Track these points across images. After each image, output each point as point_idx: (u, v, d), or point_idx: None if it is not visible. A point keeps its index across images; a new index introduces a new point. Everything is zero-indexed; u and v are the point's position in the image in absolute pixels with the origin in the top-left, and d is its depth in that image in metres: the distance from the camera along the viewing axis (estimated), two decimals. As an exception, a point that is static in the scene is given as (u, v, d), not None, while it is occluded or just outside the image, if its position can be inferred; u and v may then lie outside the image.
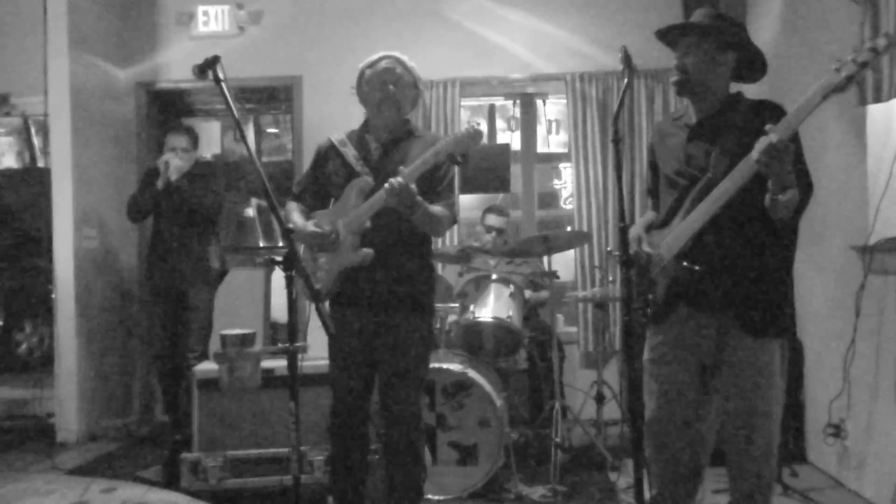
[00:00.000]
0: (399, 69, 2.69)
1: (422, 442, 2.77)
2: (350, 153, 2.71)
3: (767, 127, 1.98)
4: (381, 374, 2.70)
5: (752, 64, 2.31)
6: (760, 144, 1.98)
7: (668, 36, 2.32)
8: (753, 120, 2.17)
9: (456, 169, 2.84)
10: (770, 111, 2.19)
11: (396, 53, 2.73)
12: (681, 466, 2.33)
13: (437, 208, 2.61)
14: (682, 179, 2.29)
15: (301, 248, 2.79)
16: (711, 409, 2.32)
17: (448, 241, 4.94)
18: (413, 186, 2.45)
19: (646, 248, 2.29)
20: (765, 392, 2.20)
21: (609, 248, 4.77)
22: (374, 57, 2.73)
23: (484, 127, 5.77)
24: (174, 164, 4.14)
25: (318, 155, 2.83)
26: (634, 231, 2.42)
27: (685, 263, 2.19)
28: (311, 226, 2.66)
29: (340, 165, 2.72)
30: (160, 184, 4.18)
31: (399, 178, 2.43)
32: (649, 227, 2.43)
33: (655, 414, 2.34)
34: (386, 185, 2.45)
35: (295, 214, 2.77)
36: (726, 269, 2.19)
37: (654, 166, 2.49)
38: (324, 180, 2.77)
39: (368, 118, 2.78)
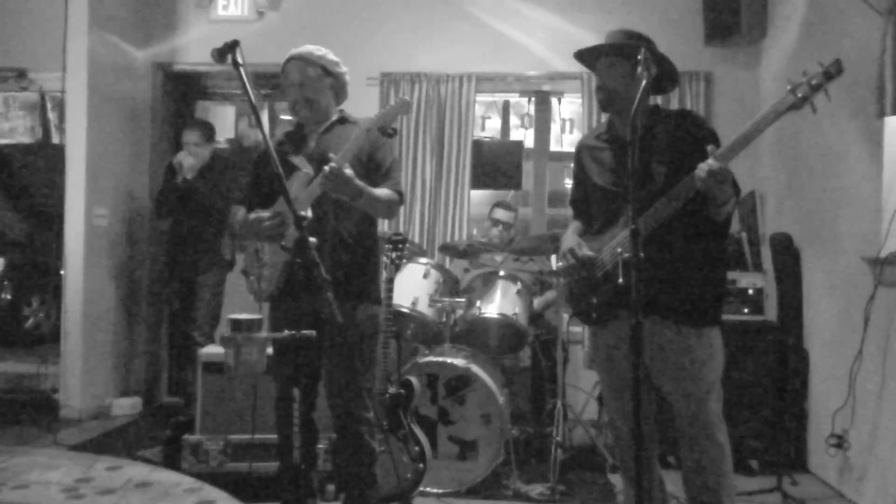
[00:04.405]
0: (301, 69, 2.66)
1: (368, 430, 2.70)
2: (289, 150, 2.71)
3: (710, 148, 2.11)
4: (326, 363, 2.67)
5: (670, 76, 2.47)
6: (702, 171, 2.09)
7: (585, 57, 2.53)
8: (679, 130, 2.39)
9: (396, 145, 2.83)
10: (692, 120, 2.46)
11: (299, 50, 2.70)
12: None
13: (382, 190, 2.62)
14: (619, 190, 2.42)
15: (244, 256, 2.82)
16: (651, 400, 2.52)
17: (457, 235, 4.94)
18: (348, 171, 2.42)
19: (586, 252, 2.44)
20: (696, 376, 2.35)
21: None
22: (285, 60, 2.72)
23: (498, 122, 5.84)
24: (186, 163, 4.36)
25: (256, 163, 2.86)
26: (569, 240, 2.56)
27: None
28: (257, 213, 2.63)
29: (281, 165, 2.70)
30: (179, 180, 4.39)
31: (332, 164, 2.40)
32: (581, 236, 2.58)
33: (612, 412, 2.57)
34: (321, 172, 2.44)
35: (241, 214, 2.79)
36: (668, 271, 2.33)
37: (579, 180, 2.66)
38: (268, 183, 2.72)
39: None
